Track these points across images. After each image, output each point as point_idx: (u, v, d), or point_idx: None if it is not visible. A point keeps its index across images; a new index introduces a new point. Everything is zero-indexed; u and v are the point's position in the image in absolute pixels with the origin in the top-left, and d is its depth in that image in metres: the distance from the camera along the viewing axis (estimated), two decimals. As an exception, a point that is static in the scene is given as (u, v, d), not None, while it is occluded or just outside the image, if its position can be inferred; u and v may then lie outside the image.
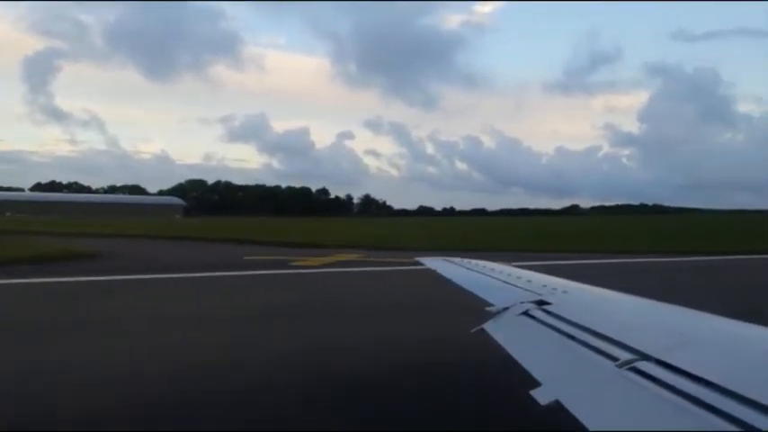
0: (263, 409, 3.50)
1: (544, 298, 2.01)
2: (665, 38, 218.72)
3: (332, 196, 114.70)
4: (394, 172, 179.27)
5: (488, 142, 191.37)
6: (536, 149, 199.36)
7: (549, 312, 1.80)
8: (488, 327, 1.85)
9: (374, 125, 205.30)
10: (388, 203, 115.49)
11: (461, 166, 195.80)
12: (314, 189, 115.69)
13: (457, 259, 3.52)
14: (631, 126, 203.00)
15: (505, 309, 1.97)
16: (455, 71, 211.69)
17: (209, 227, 35.09)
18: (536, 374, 1.36)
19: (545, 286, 2.27)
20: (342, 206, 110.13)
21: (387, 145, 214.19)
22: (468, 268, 3.13)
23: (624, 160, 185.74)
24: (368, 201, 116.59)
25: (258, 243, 20.62)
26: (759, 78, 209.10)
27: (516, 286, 2.36)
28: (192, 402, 3.64)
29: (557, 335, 1.58)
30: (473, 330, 1.91)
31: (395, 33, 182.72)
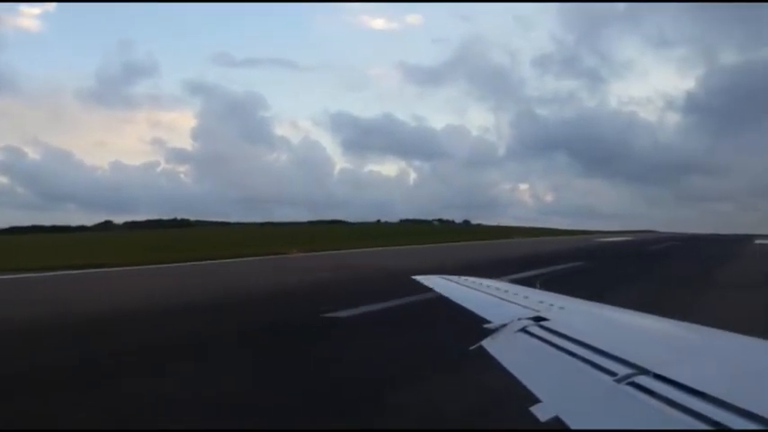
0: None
1: (542, 314, 2.00)
2: (205, 59, 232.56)
3: None
4: None
5: (33, 154, 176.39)
6: (90, 163, 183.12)
7: (546, 328, 1.79)
8: (487, 343, 1.83)
9: None
10: None
11: (1, 180, 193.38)
12: None
13: (454, 277, 3.50)
14: (185, 143, 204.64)
15: (503, 325, 1.96)
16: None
17: None
18: (535, 391, 1.35)
19: (542, 302, 2.25)
20: None
21: None
22: (466, 285, 3.12)
23: (182, 176, 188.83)
24: None
25: None
26: (294, 105, 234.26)
27: (514, 302, 2.35)
28: None
29: (555, 351, 1.58)
30: (472, 348, 1.88)
31: None
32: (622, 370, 1.28)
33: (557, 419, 1.18)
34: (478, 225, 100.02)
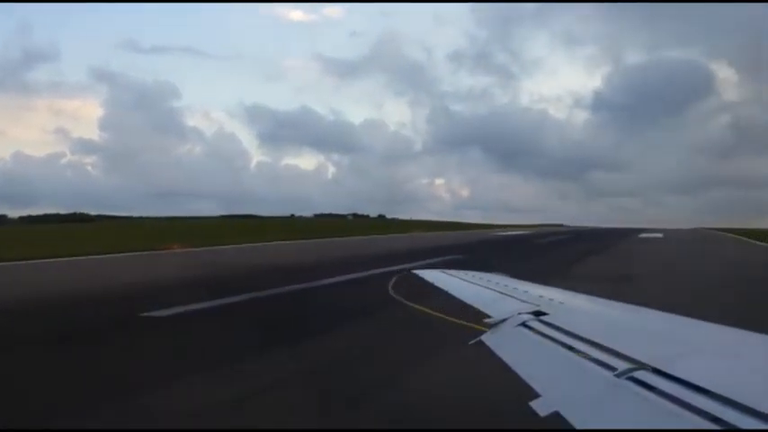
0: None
1: (542, 308, 2.02)
2: (111, 45, 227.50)
3: None
4: None
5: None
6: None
7: (546, 323, 1.80)
8: (486, 338, 1.84)
9: None
10: None
11: None
12: None
13: (453, 271, 3.49)
14: (91, 133, 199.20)
15: (503, 320, 1.96)
16: None
17: None
18: (535, 386, 1.36)
19: (542, 297, 2.27)
20: None
21: None
22: (465, 280, 3.11)
23: (89, 168, 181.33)
24: None
25: None
26: (207, 96, 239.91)
27: (514, 297, 2.36)
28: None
29: (555, 345, 1.59)
30: (471, 342, 1.89)
31: None
32: (622, 365, 1.29)
33: (556, 414, 1.19)
34: (393, 219, 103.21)
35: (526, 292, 2.45)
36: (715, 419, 0.96)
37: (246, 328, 6.82)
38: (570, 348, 1.53)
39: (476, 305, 2.33)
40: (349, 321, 7.13)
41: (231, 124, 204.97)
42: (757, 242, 31.59)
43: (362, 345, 5.96)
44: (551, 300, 2.21)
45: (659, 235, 42.51)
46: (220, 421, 3.68)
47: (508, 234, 44.61)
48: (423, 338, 5.94)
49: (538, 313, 1.96)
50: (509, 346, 1.73)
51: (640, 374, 1.22)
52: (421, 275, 3.55)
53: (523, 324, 1.86)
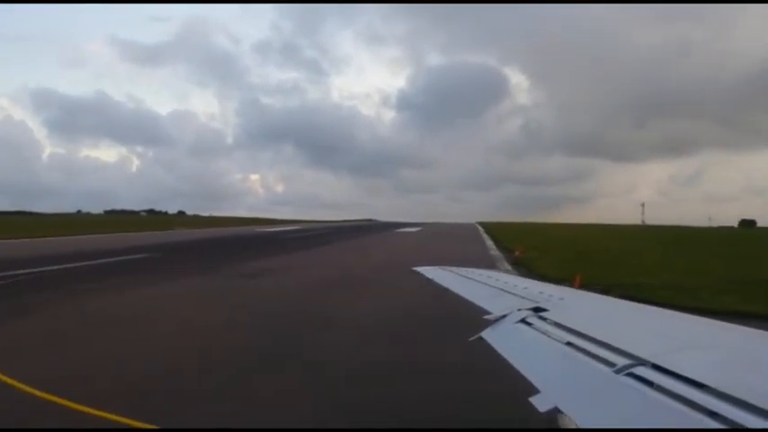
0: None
1: (541, 305, 2.02)
2: None
3: None
4: None
5: None
6: None
7: (546, 319, 1.80)
8: (486, 335, 1.81)
9: None
10: None
11: None
12: None
13: (453, 268, 3.43)
14: None
15: (503, 316, 1.94)
16: None
17: None
18: (534, 381, 1.36)
19: (542, 293, 2.27)
20: None
21: None
22: (465, 277, 3.05)
23: None
24: None
25: None
26: None
27: (513, 294, 2.34)
28: None
29: (554, 342, 1.60)
30: (471, 339, 1.84)
31: None
32: (621, 361, 1.30)
33: (556, 410, 1.20)
34: (195, 216, 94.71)
35: (526, 288, 2.45)
36: (713, 415, 0.98)
37: None
38: (569, 344, 1.54)
39: (475, 301, 2.29)
40: None
41: (17, 111, 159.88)
42: (485, 235, 35.11)
43: None
44: (551, 296, 2.22)
45: (413, 230, 44.70)
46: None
47: (271, 230, 44.26)
48: None
49: (537, 309, 1.96)
50: (509, 342, 1.71)
51: (639, 370, 1.24)
52: (422, 272, 3.47)
53: (523, 320, 1.85)
